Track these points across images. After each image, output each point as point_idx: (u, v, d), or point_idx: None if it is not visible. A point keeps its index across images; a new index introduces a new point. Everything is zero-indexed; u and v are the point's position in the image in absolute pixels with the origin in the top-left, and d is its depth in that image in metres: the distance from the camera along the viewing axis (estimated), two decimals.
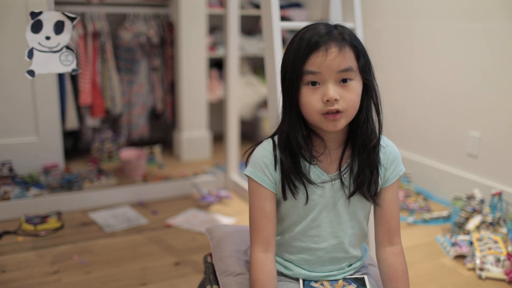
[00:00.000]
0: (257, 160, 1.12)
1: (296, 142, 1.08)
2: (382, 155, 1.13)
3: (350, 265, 1.19)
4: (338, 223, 1.13)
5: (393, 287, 1.12)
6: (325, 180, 1.11)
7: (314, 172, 1.11)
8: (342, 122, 1.05)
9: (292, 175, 1.09)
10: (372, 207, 1.18)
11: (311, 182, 1.09)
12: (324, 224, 1.13)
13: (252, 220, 1.12)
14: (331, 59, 1.02)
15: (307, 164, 1.10)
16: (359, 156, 1.10)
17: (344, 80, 1.04)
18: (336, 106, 1.03)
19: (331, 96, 1.02)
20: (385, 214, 1.15)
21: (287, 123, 1.09)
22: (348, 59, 1.03)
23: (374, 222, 1.17)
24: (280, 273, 1.19)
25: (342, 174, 1.11)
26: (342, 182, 1.11)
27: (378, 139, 1.11)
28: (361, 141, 1.09)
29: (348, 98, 1.04)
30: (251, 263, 1.12)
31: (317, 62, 1.02)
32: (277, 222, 1.15)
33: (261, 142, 1.15)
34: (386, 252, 1.15)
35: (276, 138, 1.13)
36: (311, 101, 1.04)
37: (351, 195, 1.11)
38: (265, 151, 1.12)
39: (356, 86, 1.05)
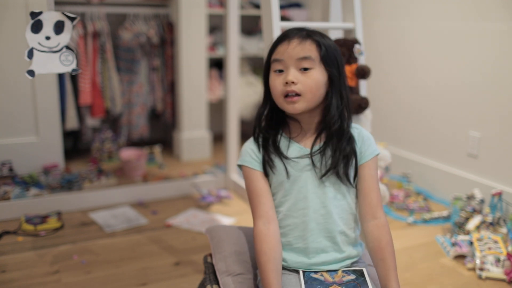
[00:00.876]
0: (244, 149, 1.28)
1: (271, 122, 1.25)
2: (355, 136, 1.25)
3: (345, 253, 1.22)
4: (323, 193, 1.21)
5: (379, 258, 1.17)
6: (305, 153, 1.22)
7: (294, 147, 1.23)
8: (301, 105, 1.18)
9: (270, 151, 1.23)
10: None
11: (286, 157, 1.21)
12: (310, 195, 1.20)
13: (250, 199, 1.24)
14: (292, 48, 1.18)
15: (287, 142, 1.24)
16: (330, 140, 1.21)
17: (305, 69, 1.18)
18: (293, 88, 1.17)
19: (289, 79, 1.17)
20: (364, 189, 1.23)
21: (264, 107, 1.27)
22: (308, 49, 1.18)
23: (357, 199, 1.25)
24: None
25: (314, 154, 1.21)
26: (313, 164, 1.21)
27: (342, 124, 1.21)
28: (325, 125, 1.22)
29: (305, 83, 1.17)
30: (254, 236, 1.19)
31: (281, 50, 1.20)
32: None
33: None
34: (370, 226, 1.21)
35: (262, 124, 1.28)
36: (275, 84, 1.20)
37: (322, 175, 1.20)
38: (249, 141, 1.29)
39: (315, 74, 1.19)
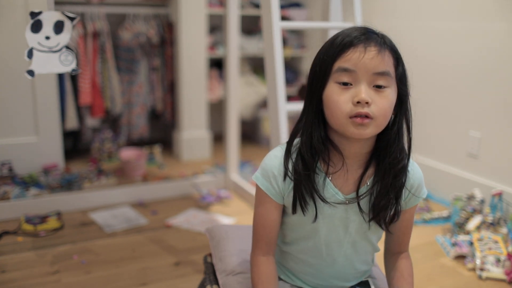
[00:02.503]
0: (267, 168, 1.04)
1: (310, 143, 0.99)
2: (407, 180, 1.04)
3: (354, 283, 1.16)
4: (348, 242, 1.07)
5: (392, 279, 1.10)
6: (339, 201, 1.02)
7: (328, 189, 1.02)
8: (370, 130, 0.94)
9: (303, 188, 1.00)
10: None
11: (323, 200, 1.00)
12: (333, 244, 1.06)
13: (255, 225, 1.08)
14: (369, 58, 0.93)
15: (322, 178, 1.01)
16: (384, 178, 1.00)
17: (379, 86, 0.94)
18: (366, 110, 0.92)
19: (363, 98, 0.92)
20: (399, 231, 1.11)
21: (307, 122, 1.00)
22: (387, 62, 0.95)
23: (385, 235, 1.13)
24: (280, 279, 1.18)
25: (360, 198, 1.01)
26: (360, 208, 1.02)
27: (408, 161, 1.02)
28: (390, 160, 0.99)
29: (381, 104, 0.94)
30: (252, 265, 1.09)
31: (353, 58, 0.93)
32: (284, 233, 1.11)
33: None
34: (394, 257, 1.14)
35: (294, 143, 1.04)
36: (339, 100, 0.94)
37: (370, 220, 1.03)
38: (276, 160, 1.04)
39: (390, 94, 0.95)
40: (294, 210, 1.03)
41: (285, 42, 4.05)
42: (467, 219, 2.36)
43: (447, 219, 2.57)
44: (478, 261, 2.03)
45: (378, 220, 1.03)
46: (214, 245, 1.40)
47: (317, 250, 1.08)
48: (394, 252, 1.14)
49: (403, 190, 1.03)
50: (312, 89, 0.99)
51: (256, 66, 4.24)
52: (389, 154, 0.99)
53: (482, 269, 2.02)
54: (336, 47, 0.95)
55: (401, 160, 0.99)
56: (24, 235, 2.32)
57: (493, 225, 2.34)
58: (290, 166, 1.01)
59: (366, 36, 0.95)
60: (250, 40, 4.05)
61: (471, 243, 2.15)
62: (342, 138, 0.99)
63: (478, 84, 2.64)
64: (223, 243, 1.38)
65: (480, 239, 2.14)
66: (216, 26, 3.99)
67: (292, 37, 4.15)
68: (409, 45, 3.07)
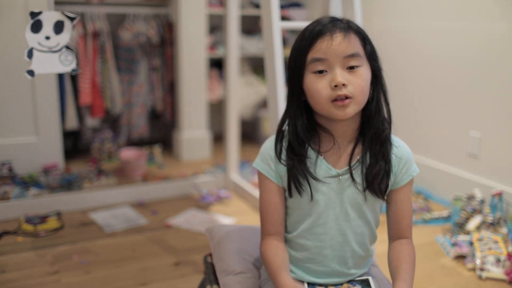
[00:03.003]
0: (264, 151, 1.13)
1: (295, 132, 1.07)
2: (394, 156, 1.10)
3: (355, 273, 1.16)
4: (344, 221, 1.10)
5: (396, 266, 1.10)
6: (332, 175, 1.08)
7: (321, 167, 1.08)
8: (352, 109, 1.03)
9: (296, 171, 1.06)
10: (384, 206, 1.16)
11: (315, 178, 1.07)
12: (330, 222, 1.10)
13: (261, 211, 1.14)
14: (337, 44, 1.01)
15: (314, 157, 1.08)
16: (371, 148, 1.08)
17: (352, 67, 1.02)
18: (344, 92, 1.01)
19: (339, 81, 1.00)
20: (396, 214, 1.14)
21: (290, 114, 1.09)
22: (354, 44, 1.03)
23: (386, 220, 1.16)
24: None
25: (352, 169, 1.07)
26: (352, 178, 1.07)
27: (390, 129, 1.10)
28: (374, 131, 1.07)
29: (356, 83, 1.02)
30: (262, 249, 1.12)
31: (323, 48, 1.01)
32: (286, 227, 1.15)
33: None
34: (395, 243, 1.15)
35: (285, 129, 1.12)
36: (318, 88, 1.02)
37: (365, 189, 1.08)
38: (271, 143, 1.12)
39: (364, 72, 1.04)
40: (290, 194, 1.09)
41: (285, 42, 4.05)
42: (467, 219, 2.36)
43: (447, 219, 2.57)
44: (478, 261, 2.03)
45: (373, 189, 1.07)
46: (214, 245, 1.40)
47: (315, 231, 1.11)
48: (395, 238, 1.15)
49: (393, 161, 1.09)
50: (291, 82, 1.08)
51: (256, 66, 4.24)
52: (372, 126, 1.07)
53: (482, 269, 2.02)
54: (306, 40, 1.04)
55: (384, 129, 1.08)
56: (24, 235, 2.32)
57: (493, 225, 2.34)
58: (281, 154, 1.09)
59: (332, 24, 1.03)
60: (250, 40, 4.05)
61: (471, 243, 2.15)
62: (330, 120, 1.07)
63: (478, 84, 2.64)
64: (223, 243, 1.38)
65: (480, 239, 2.14)
66: (216, 26, 3.99)
67: (292, 37, 4.15)
68: (409, 45, 3.07)
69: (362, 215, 1.11)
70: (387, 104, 1.10)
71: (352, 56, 1.02)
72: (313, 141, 1.09)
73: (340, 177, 1.08)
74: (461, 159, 2.78)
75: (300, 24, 2.50)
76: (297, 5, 4.16)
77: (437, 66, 2.89)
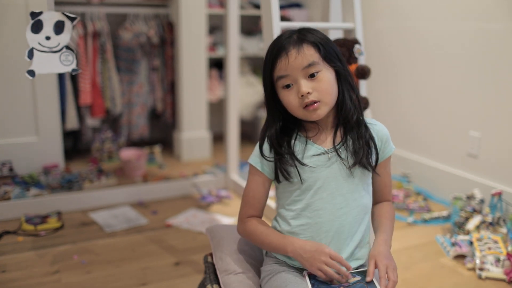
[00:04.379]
0: (257, 147, 1.25)
1: (273, 137, 1.21)
2: (375, 133, 1.24)
3: (353, 256, 1.21)
4: (339, 195, 1.20)
5: (379, 221, 1.27)
6: (321, 152, 1.20)
7: (311, 148, 1.21)
8: (322, 110, 1.17)
9: (282, 163, 1.19)
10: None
11: (301, 163, 1.19)
12: (326, 197, 1.19)
13: (246, 198, 1.27)
14: (293, 60, 1.15)
15: (304, 142, 1.21)
16: (350, 132, 1.21)
17: (312, 75, 1.15)
18: (311, 98, 1.15)
19: (303, 91, 1.14)
20: (380, 183, 1.30)
21: (269, 121, 1.24)
22: (308, 55, 1.15)
23: (372, 188, 1.30)
24: (284, 263, 1.22)
25: (337, 148, 1.20)
26: (339, 156, 1.19)
27: (359, 114, 1.22)
28: (344, 119, 1.21)
29: (320, 88, 1.15)
30: (248, 225, 1.25)
31: (282, 66, 1.16)
32: (279, 199, 1.27)
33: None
34: (378, 205, 1.32)
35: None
36: (290, 100, 1.17)
37: (352, 166, 1.19)
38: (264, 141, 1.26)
39: (325, 75, 1.17)
40: (278, 180, 1.22)
41: None
42: (467, 219, 2.36)
43: (447, 219, 2.57)
44: (477, 261, 2.03)
45: (362, 163, 1.20)
46: (215, 245, 1.41)
47: (314, 206, 1.20)
48: (378, 201, 1.33)
49: (375, 140, 1.23)
50: (267, 95, 1.23)
51: (256, 66, 4.24)
52: (342, 115, 1.21)
53: (481, 269, 2.02)
54: (268, 62, 1.19)
55: (352, 116, 1.21)
56: (24, 235, 2.32)
57: (493, 225, 2.34)
58: (267, 153, 1.22)
59: (286, 41, 1.17)
60: (250, 40, 4.06)
61: (471, 243, 2.15)
62: None
63: (478, 84, 2.64)
64: (223, 243, 1.38)
65: (479, 239, 2.15)
66: (216, 26, 3.99)
67: None
68: (409, 45, 3.07)
69: (355, 189, 1.21)
70: (355, 93, 1.23)
71: (309, 65, 1.15)
72: (300, 130, 1.24)
73: (329, 154, 1.20)
74: (461, 159, 2.78)
75: (300, 24, 2.50)
76: (297, 5, 4.16)
77: (437, 66, 2.89)
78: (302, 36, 1.18)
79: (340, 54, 1.21)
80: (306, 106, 1.15)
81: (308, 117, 1.17)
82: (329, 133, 1.23)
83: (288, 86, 1.17)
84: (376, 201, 1.33)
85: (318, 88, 1.15)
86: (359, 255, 1.22)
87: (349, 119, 1.20)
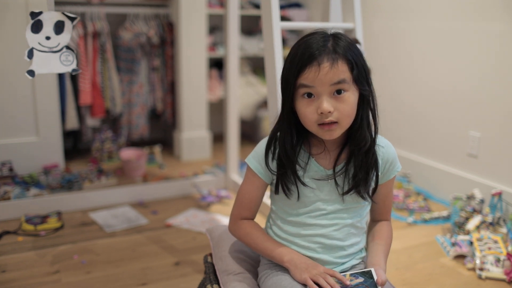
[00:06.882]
0: (258, 150, 1.21)
1: (284, 148, 1.15)
2: (380, 156, 1.19)
3: (347, 263, 1.20)
4: (332, 212, 1.18)
5: (376, 242, 1.23)
6: (322, 176, 1.16)
7: (312, 167, 1.17)
8: (338, 132, 1.10)
9: (285, 178, 1.16)
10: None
11: (304, 184, 1.16)
12: (319, 215, 1.18)
13: (240, 198, 1.25)
14: (324, 74, 1.05)
15: (306, 159, 1.17)
16: (355, 158, 1.15)
17: (339, 92, 1.07)
18: (330, 118, 1.07)
19: (325, 109, 1.06)
20: (380, 202, 1.26)
21: (281, 127, 1.16)
22: (341, 71, 1.06)
23: (371, 205, 1.26)
24: (276, 265, 1.21)
25: (337, 174, 1.16)
26: (336, 182, 1.16)
27: (372, 143, 1.16)
28: (355, 146, 1.14)
29: (342, 109, 1.07)
30: (235, 228, 1.25)
31: (310, 76, 1.06)
32: (273, 202, 1.26)
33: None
34: (375, 223, 1.29)
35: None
36: (307, 112, 1.09)
37: (344, 193, 1.17)
38: (265, 144, 1.21)
39: (350, 96, 1.08)
40: (277, 191, 1.19)
41: (285, 42, 4.05)
42: (467, 219, 2.36)
43: (447, 219, 2.57)
44: (477, 261, 2.03)
45: (358, 192, 1.16)
46: (215, 245, 1.41)
47: (306, 221, 1.18)
48: (377, 220, 1.30)
49: (378, 167, 1.18)
50: (283, 98, 1.15)
51: (256, 66, 4.24)
52: (354, 140, 1.14)
53: (481, 269, 2.02)
54: (295, 66, 1.08)
55: (364, 145, 1.14)
56: (24, 235, 2.32)
57: (493, 225, 2.34)
58: (270, 163, 1.18)
59: (319, 51, 1.06)
60: (250, 40, 4.06)
61: (471, 243, 2.15)
62: None
63: (478, 84, 2.64)
64: (223, 243, 1.39)
65: (479, 239, 2.15)
66: (216, 26, 3.99)
67: (292, 37, 4.15)
68: (409, 45, 3.07)
69: (351, 209, 1.19)
70: (374, 119, 1.16)
71: (339, 83, 1.06)
72: (305, 144, 1.18)
73: (329, 180, 1.17)
74: (461, 159, 2.78)
75: (300, 24, 2.50)
76: (297, 5, 4.16)
77: (437, 66, 2.89)
78: (337, 46, 1.07)
79: (369, 75, 1.13)
80: (322, 124, 1.08)
81: (320, 135, 1.11)
82: (334, 153, 1.18)
83: (309, 95, 1.08)
84: (374, 218, 1.30)
85: (340, 108, 1.07)
86: (356, 262, 1.22)
87: (360, 147, 1.14)
